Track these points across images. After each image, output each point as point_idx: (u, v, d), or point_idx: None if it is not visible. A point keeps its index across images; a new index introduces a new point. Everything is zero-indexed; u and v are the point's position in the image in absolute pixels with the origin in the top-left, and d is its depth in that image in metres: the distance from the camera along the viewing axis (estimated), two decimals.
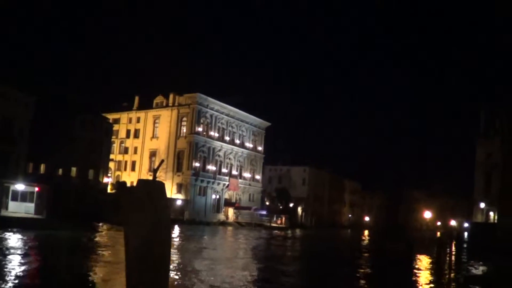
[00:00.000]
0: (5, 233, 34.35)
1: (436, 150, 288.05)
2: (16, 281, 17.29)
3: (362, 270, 30.93)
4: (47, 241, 33.95)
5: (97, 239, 38.84)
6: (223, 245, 46.46)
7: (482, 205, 68.90)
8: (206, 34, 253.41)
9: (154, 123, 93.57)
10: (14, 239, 32.12)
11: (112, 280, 19.66)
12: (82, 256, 26.63)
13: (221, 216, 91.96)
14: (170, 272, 5.00)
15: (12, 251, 25.82)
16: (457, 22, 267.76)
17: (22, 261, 22.59)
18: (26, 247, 28.99)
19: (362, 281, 25.60)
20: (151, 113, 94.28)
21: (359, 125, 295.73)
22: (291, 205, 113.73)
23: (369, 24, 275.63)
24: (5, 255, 23.72)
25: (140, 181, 5.16)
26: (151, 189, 4.91)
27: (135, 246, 4.42)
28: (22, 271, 19.64)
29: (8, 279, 17.38)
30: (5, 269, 19.48)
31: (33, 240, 33.04)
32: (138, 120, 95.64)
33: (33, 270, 20.90)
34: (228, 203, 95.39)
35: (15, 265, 20.95)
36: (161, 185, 5.11)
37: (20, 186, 47.57)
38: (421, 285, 25.17)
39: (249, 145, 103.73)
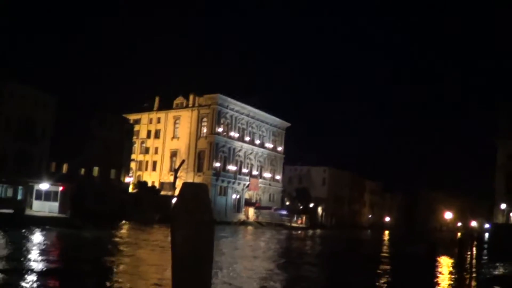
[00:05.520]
0: (31, 231, 34.81)
1: (455, 150, 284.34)
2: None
3: (383, 270, 30.64)
4: (71, 240, 34.31)
5: (118, 238, 39.10)
6: (246, 245, 46.43)
7: (503, 206, 67.85)
8: (223, 34, 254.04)
9: (175, 123, 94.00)
10: (39, 237, 32.53)
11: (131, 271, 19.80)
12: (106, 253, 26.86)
13: (242, 216, 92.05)
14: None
15: (39, 248, 26.08)
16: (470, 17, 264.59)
17: (49, 257, 22.85)
18: (51, 245, 29.36)
19: (384, 283, 25.32)
20: (172, 114, 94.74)
21: (379, 125, 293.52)
22: (311, 205, 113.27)
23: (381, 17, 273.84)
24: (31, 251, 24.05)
25: (185, 184, 5.18)
26: (196, 191, 4.99)
27: (181, 244, 4.57)
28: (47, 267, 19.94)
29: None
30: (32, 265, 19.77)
31: (58, 239, 33.45)
32: (158, 121, 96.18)
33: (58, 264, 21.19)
34: (249, 203, 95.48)
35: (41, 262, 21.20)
36: (205, 188, 5.21)
37: (44, 186, 48.19)
38: (443, 286, 24.96)
39: (269, 145, 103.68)
